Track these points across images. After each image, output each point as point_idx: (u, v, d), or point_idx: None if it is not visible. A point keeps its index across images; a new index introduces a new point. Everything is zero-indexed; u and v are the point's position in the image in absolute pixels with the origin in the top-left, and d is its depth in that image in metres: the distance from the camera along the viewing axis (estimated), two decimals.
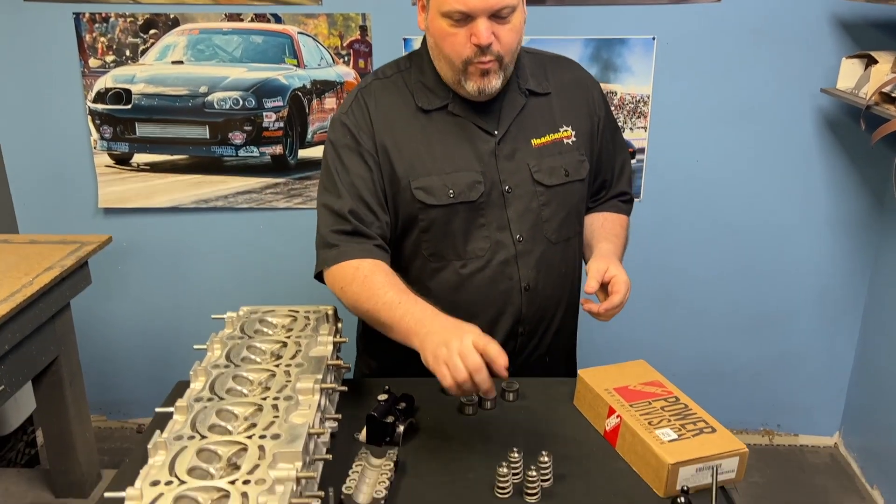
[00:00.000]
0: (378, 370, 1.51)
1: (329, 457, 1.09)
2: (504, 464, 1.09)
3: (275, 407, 1.07)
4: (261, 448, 0.98)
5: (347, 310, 1.32)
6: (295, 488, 0.93)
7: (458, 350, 1.07)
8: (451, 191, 1.31)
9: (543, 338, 1.45)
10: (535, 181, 1.35)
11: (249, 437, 1.00)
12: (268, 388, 1.12)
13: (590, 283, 1.30)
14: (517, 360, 1.43)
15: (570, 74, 1.43)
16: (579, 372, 1.31)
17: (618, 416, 1.18)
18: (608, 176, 1.51)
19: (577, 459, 1.17)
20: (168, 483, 0.91)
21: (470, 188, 1.32)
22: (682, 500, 0.90)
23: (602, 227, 1.48)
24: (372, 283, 1.25)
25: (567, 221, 1.41)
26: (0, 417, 2.33)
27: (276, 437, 1.00)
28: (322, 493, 0.99)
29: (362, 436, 1.21)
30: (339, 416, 1.20)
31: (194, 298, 2.58)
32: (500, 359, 1.08)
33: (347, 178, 1.32)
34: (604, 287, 1.31)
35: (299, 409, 1.08)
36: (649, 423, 1.15)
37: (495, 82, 1.27)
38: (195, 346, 1.28)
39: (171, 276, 2.56)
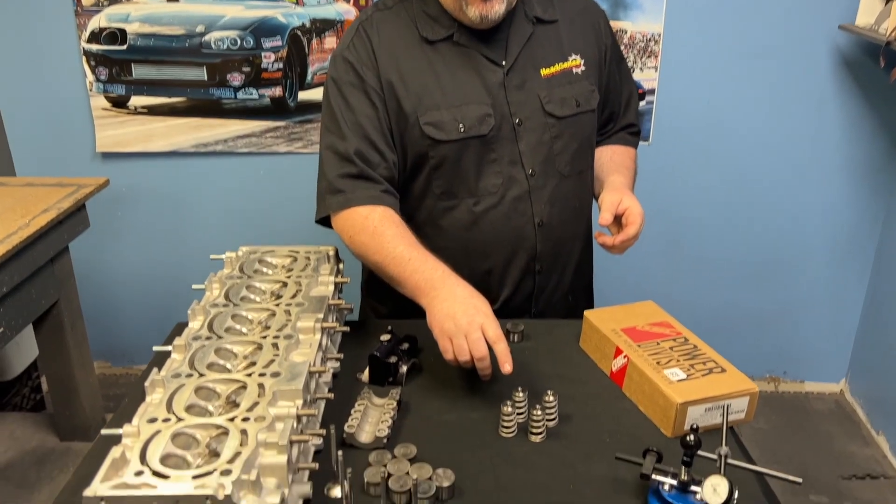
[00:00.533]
0: (383, 313, 1.48)
1: (331, 396, 1.07)
2: (508, 403, 1.07)
3: (275, 346, 1.05)
4: (260, 386, 0.96)
5: (354, 256, 1.29)
6: (295, 426, 0.91)
7: (465, 332, 1.07)
8: (461, 125, 1.27)
9: (563, 276, 1.42)
10: (546, 112, 1.31)
11: (249, 376, 0.98)
12: (267, 328, 1.10)
13: (603, 216, 1.26)
14: (539, 300, 1.41)
15: (576, 1, 1.37)
16: (585, 313, 1.28)
17: (625, 357, 1.16)
18: (615, 108, 1.46)
19: (582, 400, 1.15)
20: (165, 420, 0.89)
21: (480, 121, 1.27)
22: (692, 438, 0.88)
23: (611, 159, 1.43)
24: (382, 235, 1.22)
25: (579, 154, 1.36)
26: (3, 362, 2.33)
27: (275, 375, 0.98)
28: (323, 431, 0.97)
29: (365, 376, 1.20)
30: (341, 355, 1.18)
31: (195, 244, 2.55)
32: (506, 361, 1.06)
33: (352, 118, 1.27)
34: (617, 220, 1.28)
35: (300, 348, 1.06)
36: (657, 363, 1.13)
37: (498, 7, 1.21)
38: (194, 286, 1.25)
39: (172, 222, 2.53)
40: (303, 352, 1.05)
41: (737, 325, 2.60)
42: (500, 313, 1.39)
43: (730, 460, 0.89)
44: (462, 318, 1.08)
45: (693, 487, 0.90)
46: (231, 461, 0.82)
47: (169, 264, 2.58)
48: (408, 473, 0.97)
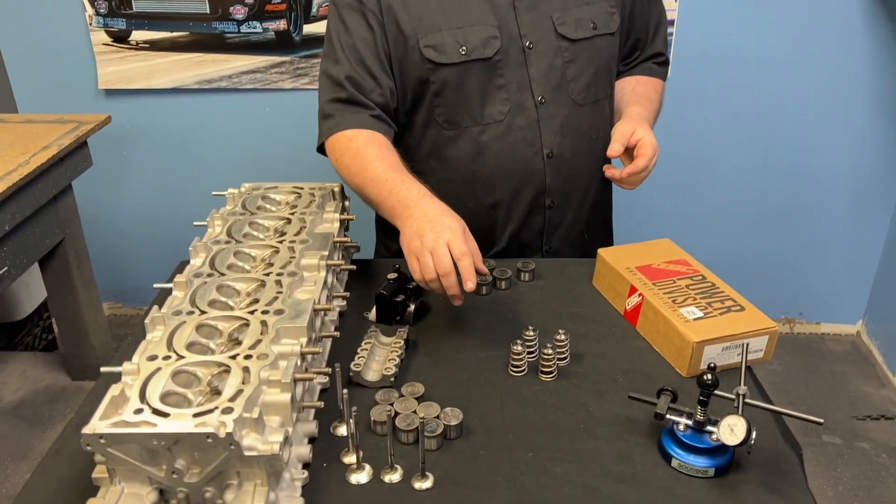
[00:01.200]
0: (394, 250, 1.45)
1: (337, 334, 1.05)
2: (519, 342, 1.05)
3: (278, 283, 1.02)
4: (263, 324, 0.93)
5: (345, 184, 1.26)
6: (299, 364, 0.89)
7: (430, 248, 1.01)
8: (462, 47, 1.21)
9: (579, 212, 1.37)
10: (559, 35, 1.24)
11: (251, 313, 0.95)
12: (271, 265, 1.07)
13: (613, 146, 1.21)
14: (552, 237, 1.37)
15: None
16: (599, 251, 1.25)
17: (640, 295, 1.13)
18: (641, 35, 1.39)
19: (595, 339, 1.12)
20: (166, 358, 0.87)
21: (484, 44, 1.21)
22: (709, 377, 0.85)
23: (633, 91, 1.37)
24: (363, 156, 1.17)
25: (595, 81, 1.30)
26: (12, 302, 2.34)
27: (279, 312, 0.95)
28: (329, 370, 0.95)
29: (372, 315, 1.17)
30: (347, 294, 1.15)
31: (201, 183, 2.51)
32: (468, 278, 0.99)
33: (349, 41, 1.22)
34: (629, 152, 1.23)
35: (304, 285, 1.04)
36: (673, 302, 1.10)
37: None
38: (195, 223, 1.22)
39: (177, 160, 2.49)
40: (307, 289, 1.03)
41: (753, 267, 2.56)
42: (509, 250, 1.37)
43: (747, 400, 0.86)
44: (429, 235, 1.01)
45: (709, 428, 0.87)
46: (233, 399, 0.80)
47: (175, 203, 2.55)
48: (415, 412, 0.95)
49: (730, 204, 2.49)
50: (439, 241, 1.01)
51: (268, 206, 1.26)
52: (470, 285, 1.01)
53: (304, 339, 0.92)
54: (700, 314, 1.07)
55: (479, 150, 1.28)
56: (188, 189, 2.53)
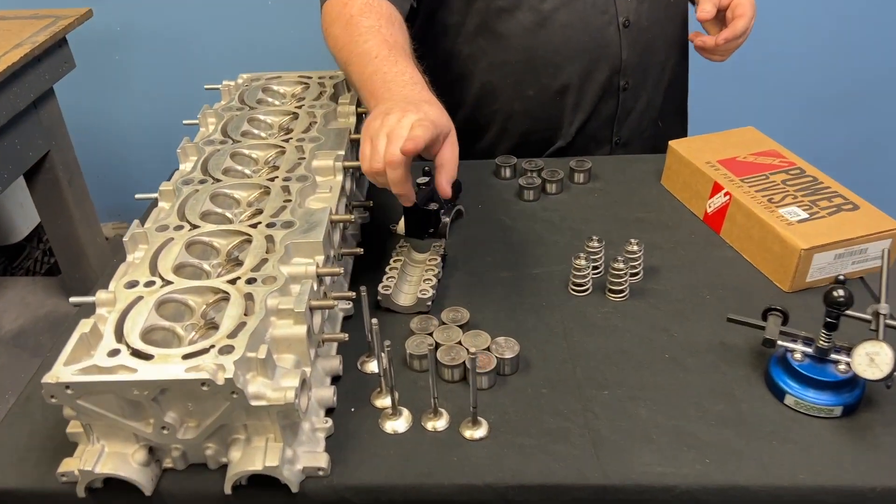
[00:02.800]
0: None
1: (360, 251, 0.88)
2: (581, 255, 0.87)
3: (285, 189, 0.84)
4: (269, 239, 0.76)
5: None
6: (315, 288, 0.72)
7: (389, 129, 0.76)
8: None
9: (654, 94, 1.17)
10: None
11: (254, 227, 0.78)
12: (276, 168, 0.89)
13: (703, 8, 1.01)
14: (623, 126, 1.17)
15: None
16: (671, 143, 1.05)
17: (726, 194, 0.94)
18: None
19: (670, 248, 0.94)
20: (149, 284, 0.71)
21: None
22: (841, 294, 0.67)
23: None
24: (356, 25, 0.94)
25: None
26: (5, 223, 2.19)
27: (288, 224, 0.78)
28: (353, 294, 0.78)
29: (400, 227, 0.99)
30: (370, 202, 0.98)
31: (200, 84, 2.31)
32: (445, 173, 0.77)
33: None
34: (720, 18, 1.02)
35: (317, 192, 0.86)
36: (769, 201, 0.91)
37: None
38: (185, 122, 1.04)
39: (174, 62, 2.28)
40: (321, 196, 0.85)
41: (860, 157, 2.30)
42: (574, 146, 1.18)
43: (889, 321, 0.68)
44: (394, 115, 0.76)
45: (834, 356, 0.70)
46: (233, 335, 0.64)
47: (174, 109, 2.34)
48: (460, 343, 0.78)
49: (794, 87, 2.24)
50: (403, 122, 0.75)
51: (270, 100, 1.07)
52: (444, 187, 0.77)
53: (320, 258, 0.75)
54: (804, 215, 0.88)
55: (541, 22, 1.07)
56: (185, 92, 2.31)
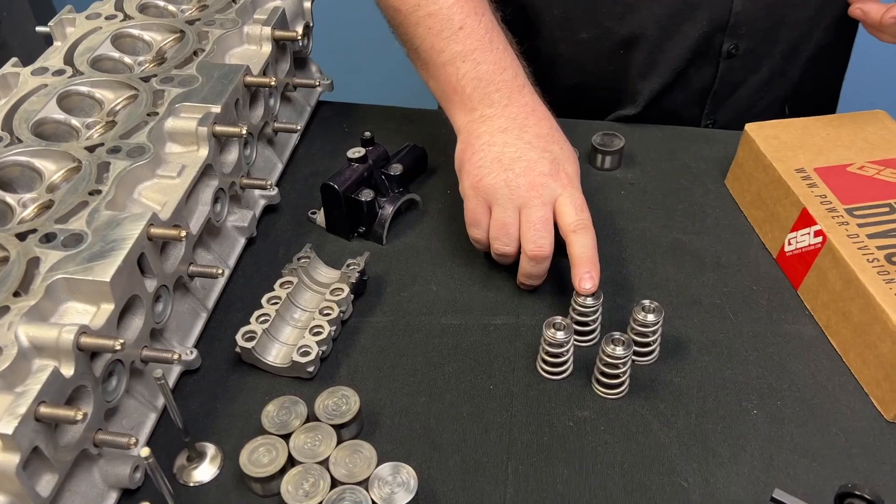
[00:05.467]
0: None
1: (243, 241, 0.58)
2: (557, 324, 0.55)
3: (104, 167, 0.54)
4: (34, 261, 0.48)
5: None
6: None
7: (522, 206, 0.59)
8: None
9: (785, 67, 0.81)
10: None
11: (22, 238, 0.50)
12: (113, 126, 0.59)
13: None
14: (722, 105, 0.83)
15: None
16: (747, 127, 0.69)
17: (818, 234, 0.59)
18: None
19: (712, 306, 0.62)
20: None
21: None
22: None
23: None
24: None
25: None
26: None
27: (78, 241, 0.49)
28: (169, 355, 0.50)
29: (320, 218, 0.69)
30: (298, 127, 0.68)
31: None
32: (587, 271, 0.57)
33: None
34: None
35: (158, 174, 0.56)
36: (890, 261, 0.56)
37: None
38: (38, 28, 0.74)
39: None
40: (162, 184, 0.55)
41: None
42: (644, 117, 0.82)
43: None
44: (523, 180, 0.58)
45: None
46: None
47: None
48: (326, 463, 0.49)
49: None
50: (541, 197, 0.59)
51: (162, 4, 0.75)
52: (588, 285, 0.57)
53: (108, 306, 0.46)
54: None
55: None
56: None
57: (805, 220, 0.61)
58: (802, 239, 0.61)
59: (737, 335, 0.59)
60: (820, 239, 0.59)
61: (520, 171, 0.58)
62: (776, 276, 0.64)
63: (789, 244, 0.63)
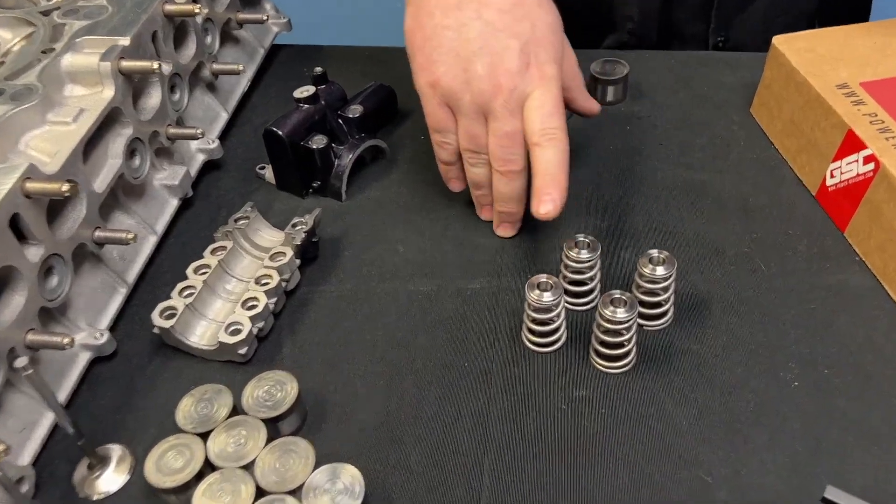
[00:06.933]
0: None
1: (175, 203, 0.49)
2: (542, 283, 0.45)
3: None
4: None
5: None
6: None
7: (485, 100, 0.47)
8: None
9: None
10: None
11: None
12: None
13: None
14: (733, 20, 0.73)
15: None
16: (775, 40, 0.58)
17: (869, 159, 0.48)
18: None
19: (739, 258, 0.51)
20: None
21: None
22: None
23: None
24: None
25: None
26: None
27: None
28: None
29: (269, 174, 0.60)
30: (239, 67, 0.59)
31: None
32: (550, 189, 0.46)
33: None
34: None
35: (49, 120, 0.47)
36: None
37: None
38: None
39: None
40: (55, 132, 0.46)
41: None
42: (641, 40, 0.72)
43: None
44: (486, 84, 0.47)
45: None
46: None
47: None
48: (250, 467, 0.40)
49: None
50: (509, 122, 0.47)
51: None
52: (546, 208, 0.46)
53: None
54: None
55: None
56: None
57: (851, 144, 0.50)
58: (849, 168, 0.50)
59: (770, 290, 0.48)
60: (871, 166, 0.48)
61: (482, 71, 0.46)
62: (816, 217, 0.53)
63: (832, 176, 0.52)
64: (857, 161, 0.49)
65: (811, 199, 0.54)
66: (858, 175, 0.49)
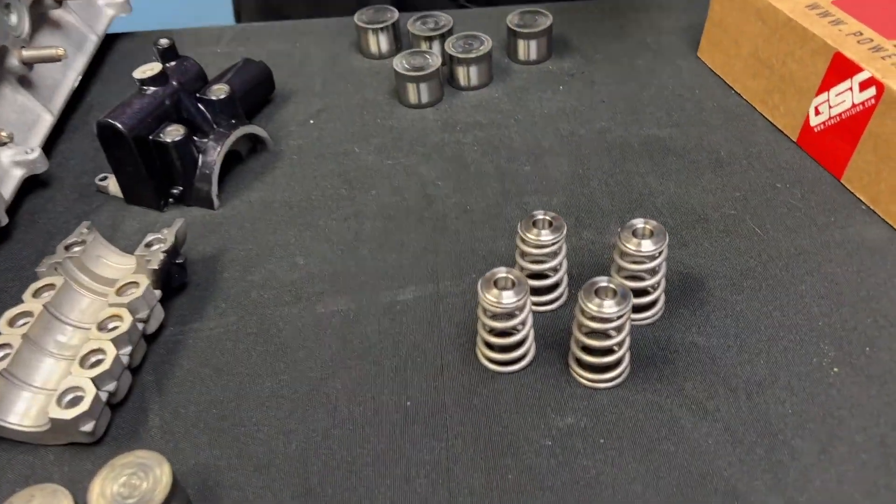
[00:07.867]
0: None
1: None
2: (500, 276, 0.34)
3: None
4: None
5: None
6: None
7: None
8: None
9: None
10: None
11: None
12: None
13: None
14: None
15: None
16: None
17: (869, 83, 0.39)
18: None
19: (726, 225, 0.41)
20: None
21: None
22: None
23: None
24: None
25: None
26: None
27: None
28: None
29: (113, 185, 0.46)
30: (60, 51, 0.45)
31: None
32: None
33: None
34: None
35: None
36: None
37: None
38: None
39: None
40: None
41: None
42: None
43: None
44: None
45: None
46: None
47: None
48: None
49: None
50: None
51: None
52: None
53: None
54: None
55: None
56: None
57: (841, 69, 0.41)
58: (839, 100, 0.41)
59: (774, 255, 0.39)
60: (872, 91, 0.39)
61: None
62: (804, 164, 0.44)
63: (817, 113, 0.43)
64: (850, 89, 0.41)
65: (792, 144, 0.45)
66: (855, 105, 0.40)
